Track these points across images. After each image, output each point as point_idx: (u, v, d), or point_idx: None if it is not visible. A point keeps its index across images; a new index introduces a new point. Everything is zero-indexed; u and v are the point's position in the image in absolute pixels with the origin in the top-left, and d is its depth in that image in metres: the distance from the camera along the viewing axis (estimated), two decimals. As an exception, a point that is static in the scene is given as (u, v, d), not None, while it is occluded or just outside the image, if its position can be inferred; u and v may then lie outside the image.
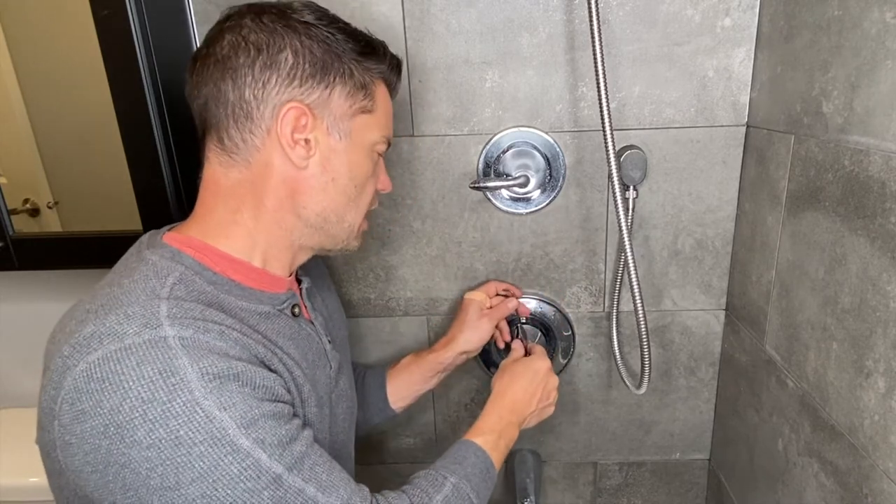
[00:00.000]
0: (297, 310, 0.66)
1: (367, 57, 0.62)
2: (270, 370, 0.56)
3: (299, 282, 0.70)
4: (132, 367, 0.48)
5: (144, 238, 0.62)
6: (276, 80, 0.57)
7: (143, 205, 0.90)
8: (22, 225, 0.98)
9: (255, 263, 0.61)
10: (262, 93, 0.57)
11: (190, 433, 0.48)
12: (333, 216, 0.64)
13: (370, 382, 0.89)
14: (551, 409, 0.82)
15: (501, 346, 0.92)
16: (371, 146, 0.64)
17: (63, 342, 0.51)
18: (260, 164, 0.59)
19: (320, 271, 0.80)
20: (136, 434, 0.47)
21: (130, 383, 0.47)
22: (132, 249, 0.62)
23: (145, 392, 0.47)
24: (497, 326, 0.90)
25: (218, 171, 0.60)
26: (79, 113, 0.95)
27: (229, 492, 0.48)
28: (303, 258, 0.67)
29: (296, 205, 0.61)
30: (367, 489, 0.58)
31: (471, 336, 0.87)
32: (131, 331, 0.49)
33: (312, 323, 0.69)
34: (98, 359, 0.48)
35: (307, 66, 0.58)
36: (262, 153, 0.59)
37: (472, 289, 0.94)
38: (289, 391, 0.58)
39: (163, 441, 0.47)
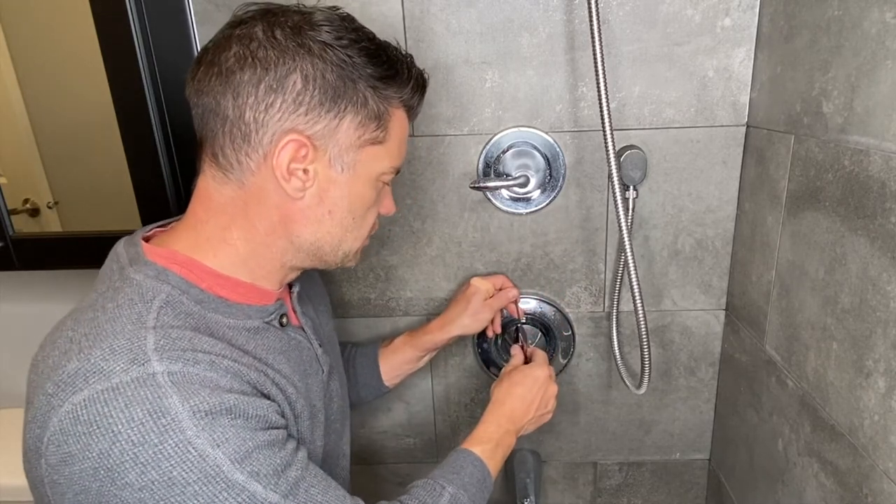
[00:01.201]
0: (284, 319, 0.64)
1: (388, 83, 0.58)
2: (264, 395, 0.54)
3: (290, 285, 0.68)
4: (121, 409, 0.46)
5: (121, 250, 0.58)
6: (281, 106, 0.53)
7: (142, 205, 0.90)
8: (22, 225, 0.98)
9: (244, 279, 0.59)
10: (264, 116, 0.53)
11: (183, 473, 0.46)
12: (328, 246, 0.61)
13: (362, 362, 0.89)
14: (548, 417, 0.82)
15: (491, 335, 0.93)
16: (377, 177, 0.61)
17: (46, 377, 0.49)
18: (254, 186, 0.56)
19: (311, 275, 0.79)
20: (128, 477, 0.46)
21: (120, 426, 0.45)
22: (112, 263, 0.58)
23: (135, 435, 0.45)
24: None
25: (211, 185, 0.58)
26: (79, 113, 0.95)
27: None
28: (294, 275, 0.65)
29: (289, 232, 0.59)
30: (362, 502, 0.58)
31: (470, 323, 0.87)
32: (118, 368, 0.47)
33: (303, 329, 0.67)
34: (84, 399, 0.46)
35: (317, 92, 0.54)
36: (256, 177, 0.56)
37: (480, 275, 0.94)
38: (283, 415, 0.57)
39: (155, 483, 0.46)
